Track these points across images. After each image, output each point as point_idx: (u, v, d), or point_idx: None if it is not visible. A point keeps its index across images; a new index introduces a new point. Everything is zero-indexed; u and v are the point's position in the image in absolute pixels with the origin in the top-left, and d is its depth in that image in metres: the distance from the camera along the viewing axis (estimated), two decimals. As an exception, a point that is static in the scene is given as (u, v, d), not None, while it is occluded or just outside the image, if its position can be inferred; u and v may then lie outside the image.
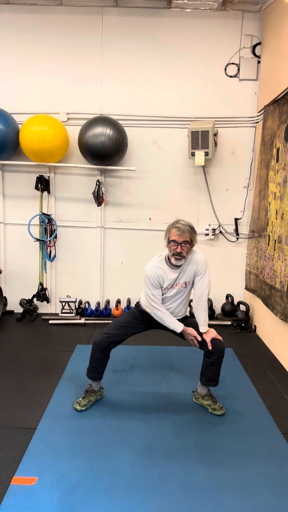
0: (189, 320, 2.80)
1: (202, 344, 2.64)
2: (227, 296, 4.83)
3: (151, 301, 2.65)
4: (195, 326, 2.68)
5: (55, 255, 4.86)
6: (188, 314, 2.88)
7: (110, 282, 4.94)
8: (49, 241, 4.78)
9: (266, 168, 4.10)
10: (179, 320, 2.73)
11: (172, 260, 2.56)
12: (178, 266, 2.61)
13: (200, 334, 2.65)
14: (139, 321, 2.78)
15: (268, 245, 3.96)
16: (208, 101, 4.67)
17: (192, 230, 2.57)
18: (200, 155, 4.45)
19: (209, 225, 4.80)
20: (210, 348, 2.60)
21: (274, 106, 3.91)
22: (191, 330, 2.63)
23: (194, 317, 2.75)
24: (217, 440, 2.41)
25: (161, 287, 2.65)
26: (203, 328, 2.65)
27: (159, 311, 2.65)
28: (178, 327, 2.64)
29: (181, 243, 2.52)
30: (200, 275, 2.66)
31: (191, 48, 4.60)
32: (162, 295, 2.67)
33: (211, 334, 2.64)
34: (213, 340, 2.63)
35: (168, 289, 2.66)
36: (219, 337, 2.67)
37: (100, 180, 4.66)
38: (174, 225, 2.55)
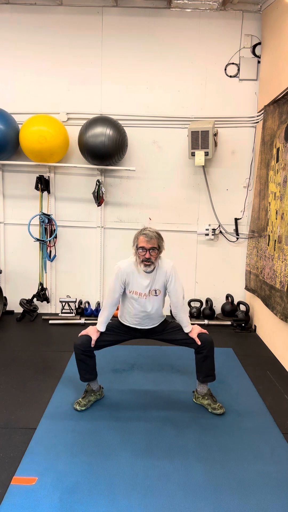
0: (171, 323, 2.85)
1: (191, 342, 2.69)
2: (227, 296, 4.83)
3: (105, 297, 2.75)
4: (179, 328, 2.75)
5: (55, 255, 4.86)
6: (166, 318, 2.89)
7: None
8: (49, 241, 4.78)
9: (266, 168, 4.10)
10: (159, 324, 2.80)
11: (142, 266, 2.61)
12: (148, 273, 2.65)
13: (186, 334, 2.71)
14: (120, 330, 2.81)
15: (268, 245, 3.96)
16: (208, 101, 4.67)
17: (159, 237, 2.63)
18: (200, 155, 4.45)
19: (209, 225, 4.80)
20: (199, 343, 2.65)
21: (274, 106, 3.91)
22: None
23: (174, 320, 2.84)
24: (217, 440, 2.41)
25: (124, 288, 2.70)
26: (187, 328, 2.72)
27: (103, 309, 2.73)
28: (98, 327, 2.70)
29: (149, 249, 2.57)
30: (171, 282, 2.70)
31: (191, 48, 4.60)
32: (135, 302, 2.69)
33: (196, 331, 2.71)
34: (200, 335, 2.69)
35: (141, 296, 2.68)
36: (204, 331, 2.74)
37: (100, 180, 4.66)
38: (142, 232, 2.61)
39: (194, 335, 2.68)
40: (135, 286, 2.68)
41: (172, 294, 2.74)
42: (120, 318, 2.84)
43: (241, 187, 4.77)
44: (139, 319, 2.74)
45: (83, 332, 2.72)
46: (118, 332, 2.80)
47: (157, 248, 2.60)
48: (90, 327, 2.74)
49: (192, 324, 2.78)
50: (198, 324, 4.32)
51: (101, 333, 2.71)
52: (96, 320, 2.62)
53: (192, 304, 4.83)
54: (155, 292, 2.70)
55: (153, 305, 2.70)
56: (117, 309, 2.85)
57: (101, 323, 2.71)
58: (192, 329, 2.71)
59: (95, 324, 2.73)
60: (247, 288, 4.71)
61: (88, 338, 2.67)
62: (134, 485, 2.02)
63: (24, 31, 4.58)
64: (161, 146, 4.74)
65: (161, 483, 2.04)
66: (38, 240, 4.68)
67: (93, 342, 2.64)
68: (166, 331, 2.81)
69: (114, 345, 2.83)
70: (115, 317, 2.84)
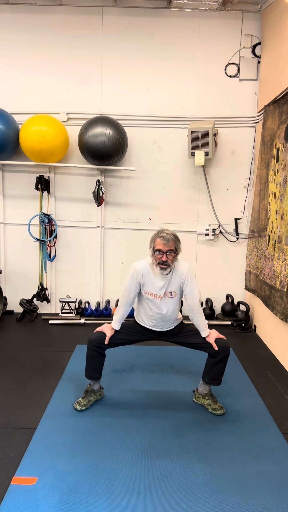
0: (187, 326, 2.82)
1: (207, 347, 2.66)
2: (227, 296, 4.83)
3: (121, 296, 2.73)
4: (196, 332, 2.71)
5: (55, 255, 4.86)
6: (183, 321, 2.87)
7: (110, 282, 4.94)
8: (49, 241, 4.78)
9: (266, 168, 4.10)
10: (175, 327, 2.77)
11: (158, 269, 2.60)
12: (164, 275, 2.63)
13: (203, 338, 2.67)
14: (136, 330, 2.80)
15: (268, 245, 3.96)
16: (208, 101, 4.67)
17: (176, 239, 2.60)
18: (200, 155, 4.45)
19: (209, 225, 4.80)
20: (216, 349, 2.61)
21: (274, 106, 3.91)
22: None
23: (191, 324, 2.78)
24: (217, 440, 2.41)
25: (140, 288, 2.69)
26: (204, 332, 2.68)
27: (118, 308, 2.73)
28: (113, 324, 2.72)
29: (166, 252, 2.55)
30: (187, 285, 2.68)
31: (191, 48, 4.60)
32: (151, 303, 2.68)
33: (213, 335, 2.66)
34: (218, 340, 2.65)
35: (157, 297, 2.67)
36: (222, 336, 2.69)
37: (100, 180, 4.66)
38: (159, 235, 2.59)
39: (211, 340, 2.63)
40: (150, 287, 2.66)
41: (188, 297, 2.70)
42: (136, 318, 2.82)
43: (241, 187, 4.77)
44: (155, 321, 2.72)
45: (98, 329, 2.72)
46: (133, 332, 2.78)
47: (174, 250, 2.58)
48: (106, 324, 2.73)
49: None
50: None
51: (116, 331, 2.71)
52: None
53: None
54: (171, 294, 2.67)
55: (168, 307, 2.68)
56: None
57: (116, 322, 2.70)
58: (210, 333, 2.67)
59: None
60: (247, 288, 4.71)
61: (103, 334, 2.67)
62: (134, 485, 2.02)
63: (24, 31, 4.58)
64: (161, 146, 4.74)
65: (161, 483, 2.04)
66: (38, 240, 4.68)
67: (107, 339, 2.64)
68: (182, 334, 2.78)
69: (128, 344, 2.81)
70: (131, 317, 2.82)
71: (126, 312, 2.73)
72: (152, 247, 2.61)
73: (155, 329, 2.76)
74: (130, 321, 2.86)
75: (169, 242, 2.55)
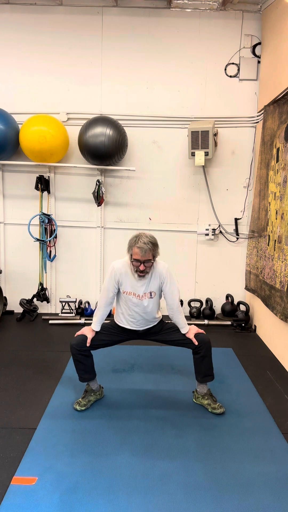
0: (167, 324, 2.85)
1: (188, 342, 2.70)
2: (227, 296, 4.83)
3: (100, 297, 2.76)
4: (176, 329, 2.75)
5: (55, 255, 4.86)
6: (162, 319, 2.89)
7: (110, 282, 4.93)
8: (49, 241, 4.78)
9: (266, 168, 4.10)
10: (155, 325, 2.80)
11: (135, 276, 2.62)
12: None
13: (183, 335, 2.71)
14: (116, 331, 2.81)
15: (268, 245, 3.96)
16: (208, 101, 4.67)
17: (154, 247, 2.58)
18: (200, 155, 4.45)
19: (209, 225, 4.80)
20: (196, 343, 2.66)
21: (274, 106, 3.91)
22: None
23: (171, 322, 2.82)
24: (217, 440, 2.41)
25: (118, 288, 2.71)
26: (184, 329, 2.72)
27: (97, 309, 2.76)
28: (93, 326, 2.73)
29: (144, 262, 2.56)
30: (167, 285, 2.70)
31: (191, 48, 4.60)
32: (130, 302, 2.69)
33: (192, 331, 2.71)
34: (197, 335, 2.69)
35: (135, 296, 2.67)
36: (201, 331, 2.74)
37: (100, 180, 4.66)
38: (137, 244, 2.55)
39: (191, 335, 2.68)
40: (128, 287, 2.68)
41: (167, 296, 2.73)
42: (116, 320, 2.84)
43: (241, 187, 4.77)
44: (134, 320, 2.74)
45: (79, 332, 2.74)
46: (113, 332, 2.80)
47: (152, 259, 2.60)
48: (86, 327, 2.75)
49: (192, 324, 2.79)
50: (198, 324, 4.36)
51: (97, 332, 2.72)
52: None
53: (192, 304, 4.83)
54: (150, 295, 2.70)
55: (147, 306, 2.70)
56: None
57: (95, 323, 2.72)
58: (189, 329, 2.72)
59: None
60: (247, 288, 4.71)
61: (84, 337, 2.68)
62: (134, 485, 2.02)
63: (24, 31, 4.58)
64: (161, 146, 4.74)
65: (161, 483, 2.04)
66: (38, 240, 4.68)
67: (88, 341, 2.65)
68: (163, 331, 2.81)
69: (111, 345, 2.83)
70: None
71: (106, 312, 2.75)
72: (130, 254, 2.61)
73: (135, 329, 2.77)
74: (110, 322, 2.87)
75: (147, 252, 2.53)
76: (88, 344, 2.65)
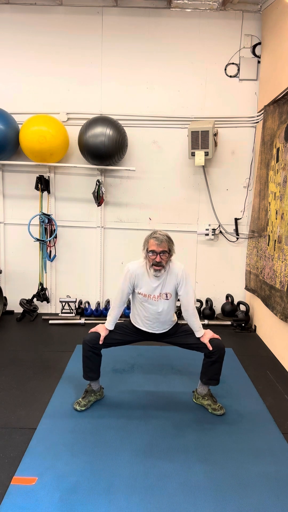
0: (182, 327, 2.82)
1: (202, 347, 2.66)
2: (227, 296, 4.83)
3: (114, 297, 2.74)
4: (191, 332, 2.72)
5: (55, 255, 4.86)
6: (178, 322, 2.87)
7: (110, 282, 4.94)
8: (49, 241, 4.78)
9: (266, 168, 4.10)
10: (170, 328, 2.77)
11: (152, 271, 2.60)
12: (157, 276, 2.63)
13: (197, 339, 2.68)
14: (130, 331, 2.81)
15: (268, 245, 3.96)
16: (208, 101, 4.67)
17: (169, 240, 2.61)
18: (200, 155, 4.45)
19: (209, 225, 4.80)
20: (210, 349, 2.62)
21: (274, 106, 3.91)
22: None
23: (186, 324, 2.78)
24: (217, 440, 2.41)
25: (134, 289, 2.70)
26: (198, 333, 2.69)
27: (112, 308, 2.75)
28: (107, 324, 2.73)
29: (160, 253, 2.55)
30: (182, 286, 2.68)
31: (191, 48, 4.60)
32: (146, 304, 2.68)
33: (208, 335, 2.67)
34: (212, 340, 2.65)
35: (151, 298, 2.66)
36: (217, 336, 2.70)
37: (100, 180, 4.66)
38: (152, 236, 2.59)
39: (205, 340, 2.64)
40: (144, 288, 2.66)
41: (183, 297, 2.70)
42: (132, 320, 2.83)
43: (241, 187, 4.77)
44: (150, 322, 2.72)
45: (93, 329, 2.73)
46: (127, 332, 2.79)
47: (168, 251, 2.58)
48: (100, 325, 2.74)
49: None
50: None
51: (110, 331, 2.71)
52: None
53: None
54: (166, 296, 2.67)
55: (163, 309, 2.67)
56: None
57: (109, 322, 2.72)
58: (204, 334, 2.68)
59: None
60: (247, 288, 4.71)
61: (97, 334, 2.68)
62: (134, 485, 2.02)
63: (24, 31, 4.58)
64: (161, 146, 4.74)
65: (161, 483, 2.04)
66: (38, 240, 4.68)
67: (101, 339, 2.65)
68: (177, 334, 2.78)
69: (123, 345, 2.82)
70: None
71: (120, 312, 2.74)
72: (146, 248, 2.61)
73: (150, 331, 2.76)
74: (126, 321, 2.86)
75: (163, 242, 2.55)
76: (101, 342, 2.65)
